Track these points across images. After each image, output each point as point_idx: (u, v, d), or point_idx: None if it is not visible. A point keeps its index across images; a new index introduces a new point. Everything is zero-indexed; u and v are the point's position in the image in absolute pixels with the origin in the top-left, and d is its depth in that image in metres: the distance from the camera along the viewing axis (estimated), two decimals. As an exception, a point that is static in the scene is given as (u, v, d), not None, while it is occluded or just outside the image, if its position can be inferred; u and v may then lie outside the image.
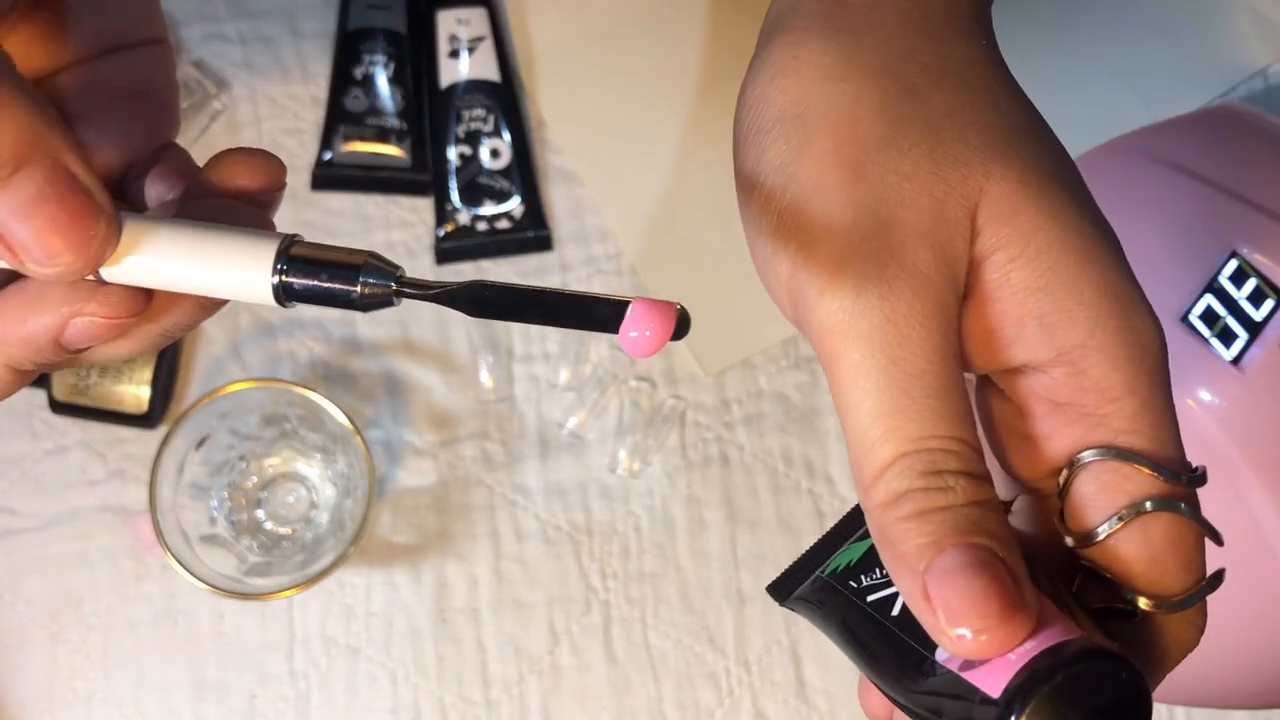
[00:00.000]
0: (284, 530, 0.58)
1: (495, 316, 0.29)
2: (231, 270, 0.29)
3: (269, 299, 0.29)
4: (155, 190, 0.32)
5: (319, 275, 0.30)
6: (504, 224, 0.62)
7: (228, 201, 0.31)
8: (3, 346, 0.29)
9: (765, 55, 0.34)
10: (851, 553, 0.35)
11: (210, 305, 0.31)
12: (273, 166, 0.32)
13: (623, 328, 0.29)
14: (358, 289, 0.29)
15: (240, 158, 0.31)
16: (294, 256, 0.30)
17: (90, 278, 0.29)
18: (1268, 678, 0.52)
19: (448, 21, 0.61)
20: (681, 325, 0.29)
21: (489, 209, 0.62)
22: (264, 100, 0.63)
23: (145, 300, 0.29)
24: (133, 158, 0.32)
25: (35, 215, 0.26)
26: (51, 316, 0.28)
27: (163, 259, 0.29)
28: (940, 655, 0.30)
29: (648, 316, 0.29)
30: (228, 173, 0.31)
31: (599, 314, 0.29)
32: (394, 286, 0.29)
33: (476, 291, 0.29)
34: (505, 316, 0.29)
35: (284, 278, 0.29)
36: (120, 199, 0.31)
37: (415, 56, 0.62)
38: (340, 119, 0.62)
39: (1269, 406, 0.49)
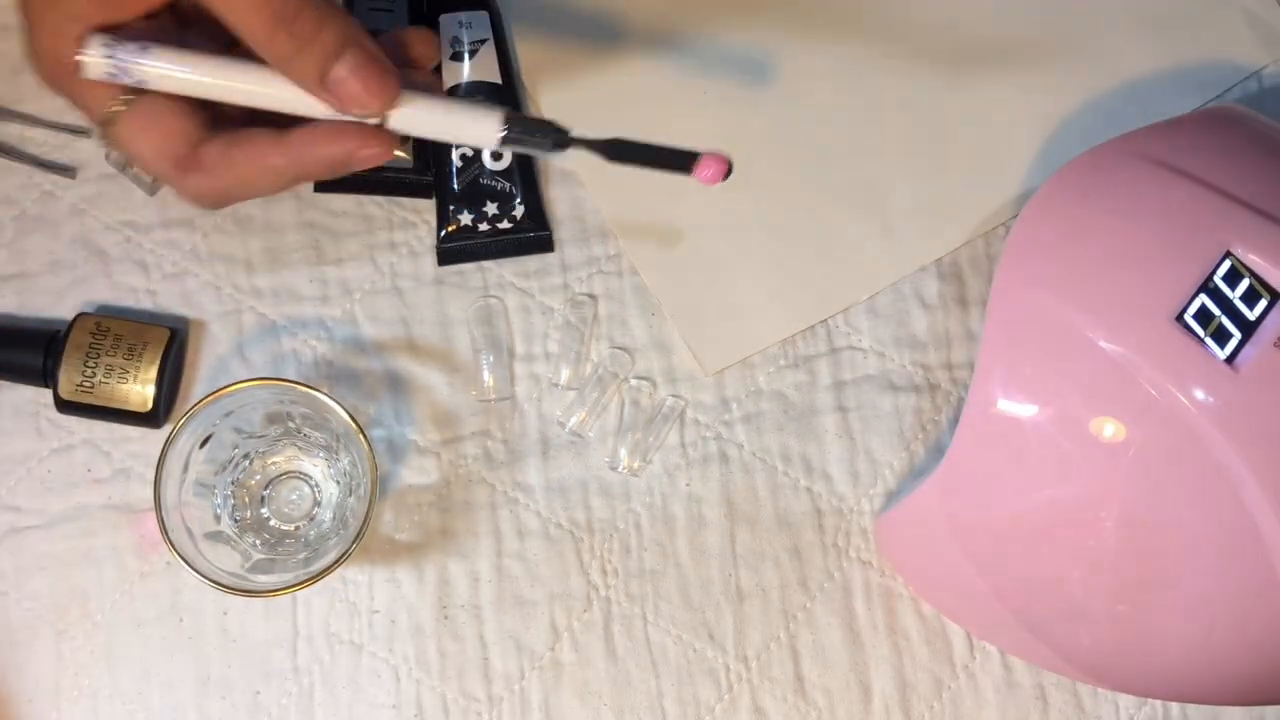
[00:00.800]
0: (288, 527, 0.59)
1: (624, 164, 0.46)
2: (473, 126, 0.46)
3: (493, 145, 0.46)
4: None
5: (527, 131, 0.46)
6: (505, 225, 0.62)
7: (411, 71, 0.47)
8: (306, 163, 0.46)
9: None
10: None
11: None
12: (435, 40, 0.49)
13: (697, 171, 0.46)
14: (550, 140, 0.46)
15: (415, 33, 0.48)
16: (510, 119, 0.46)
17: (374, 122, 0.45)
18: (1263, 675, 0.53)
19: (450, 25, 0.62)
20: (729, 167, 0.46)
21: (491, 210, 0.62)
22: (267, 102, 0.63)
23: (400, 140, 0.46)
24: None
25: (360, 76, 0.43)
26: (349, 146, 0.45)
27: (433, 116, 0.46)
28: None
29: (711, 160, 0.46)
30: (408, 45, 0.48)
31: (681, 163, 0.46)
32: (567, 140, 0.46)
33: (615, 146, 0.47)
34: (628, 164, 0.46)
35: (508, 131, 0.46)
36: None
37: (417, 59, 0.62)
38: (343, 120, 0.62)
39: (1263, 405, 0.49)
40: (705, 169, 0.46)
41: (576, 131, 0.47)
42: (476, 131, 0.46)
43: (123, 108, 0.46)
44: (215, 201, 0.48)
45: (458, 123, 0.46)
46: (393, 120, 0.45)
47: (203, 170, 0.46)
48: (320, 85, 0.44)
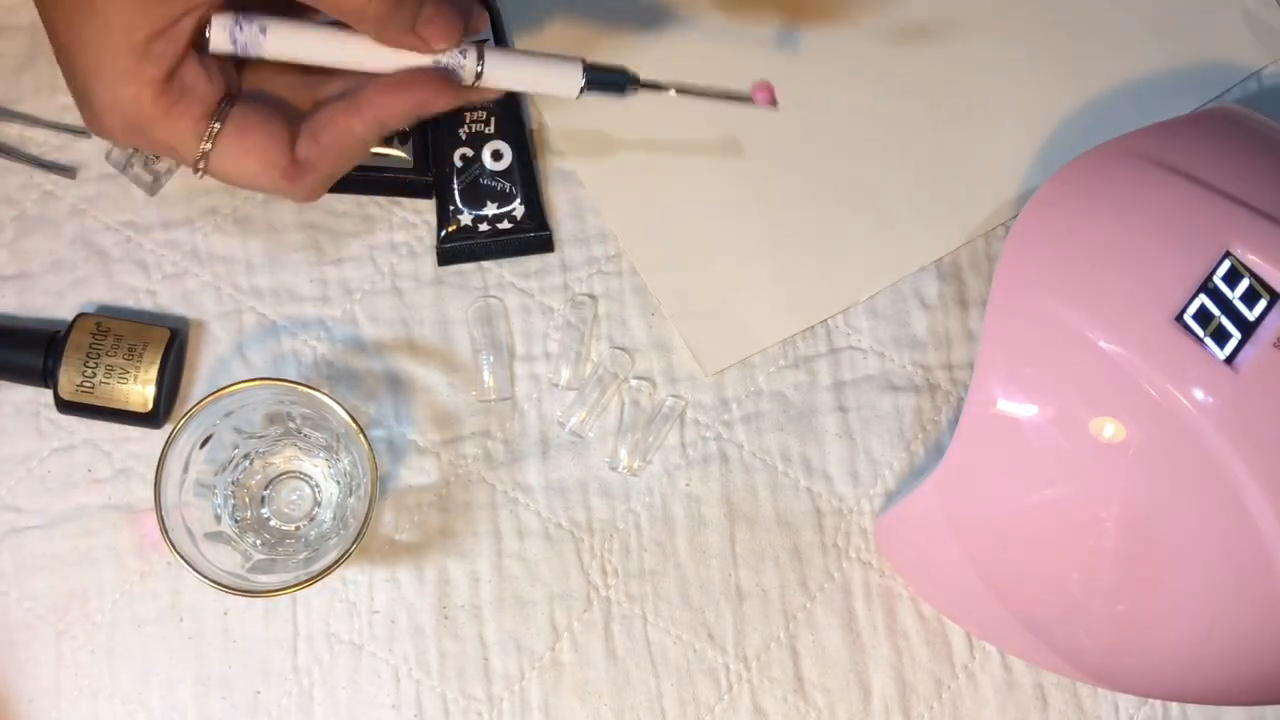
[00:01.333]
0: (288, 527, 0.59)
1: (688, 95, 0.53)
2: (556, 77, 0.51)
3: (574, 93, 0.52)
4: None
5: (604, 75, 0.52)
6: (505, 225, 0.62)
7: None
8: (386, 119, 0.49)
9: None
10: None
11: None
12: (478, 9, 0.52)
13: (756, 99, 0.53)
14: (623, 83, 0.52)
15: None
16: (588, 65, 0.52)
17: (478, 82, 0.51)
18: (1263, 675, 0.53)
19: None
20: (771, 90, 0.53)
21: (491, 210, 0.62)
22: (268, 102, 0.63)
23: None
24: None
25: (434, 22, 0.48)
26: (424, 94, 0.49)
27: (519, 70, 0.51)
28: None
29: (760, 90, 0.53)
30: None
31: (740, 97, 0.53)
32: (634, 81, 0.52)
33: (681, 91, 0.53)
34: (687, 94, 0.53)
35: (588, 79, 0.51)
36: None
37: (418, 59, 0.62)
38: (343, 121, 0.62)
39: (1263, 406, 0.49)
40: (759, 94, 0.53)
41: (643, 76, 0.53)
42: (559, 81, 0.51)
43: (211, 143, 0.48)
44: (322, 191, 0.52)
45: (542, 74, 0.51)
46: (484, 78, 0.51)
47: (307, 168, 0.49)
48: (412, 34, 0.48)
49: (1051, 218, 0.54)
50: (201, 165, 0.49)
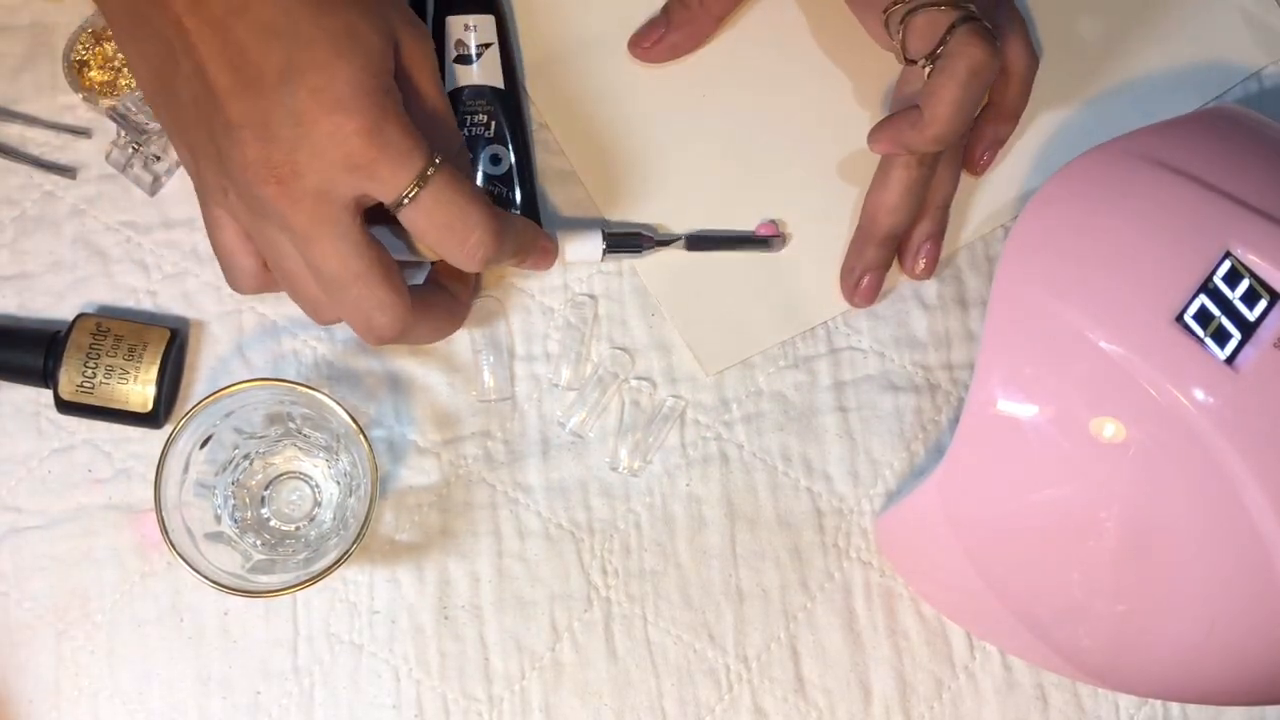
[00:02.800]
0: (288, 528, 0.59)
1: (701, 250, 0.62)
2: (581, 247, 0.60)
3: (598, 257, 0.61)
4: None
5: (621, 240, 0.61)
6: (506, 225, 0.62)
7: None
8: (527, 247, 0.56)
9: None
10: None
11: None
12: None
13: (759, 233, 0.62)
14: (640, 244, 0.61)
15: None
16: (607, 234, 0.61)
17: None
18: (1263, 674, 0.53)
19: (456, 27, 0.62)
20: (776, 226, 0.63)
21: (491, 210, 0.62)
22: (268, 102, 0.63)
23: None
24: None
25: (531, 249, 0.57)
26: (549, 262, 0.59)
27: (569, 245, 0.60)
28: None
29: (768, 228, 0.62)
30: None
31: (745, 239, 0.63)
32: (650, 243, 0.61)
33: (692, 241, 0.62)
34: (705, 249, 0.62)
35: (607, 244, 0.61)
36: None
37: (418, 59, 0.62)
38: (344, 121, 0.62)
39: (1263, 406, 0.49)
40: (762, 230, 0.63)
41: (659, 234, 0.62)
42: (585, 250, 0.60)
43: (440, 160, 0.50)
44: (495, 251, 0.52)
45: (569, 244, 0.60)
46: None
47: (498, 214, 0.52)
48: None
49: (1051, 218, 0.54)
50: (427, 176, 0.49)
